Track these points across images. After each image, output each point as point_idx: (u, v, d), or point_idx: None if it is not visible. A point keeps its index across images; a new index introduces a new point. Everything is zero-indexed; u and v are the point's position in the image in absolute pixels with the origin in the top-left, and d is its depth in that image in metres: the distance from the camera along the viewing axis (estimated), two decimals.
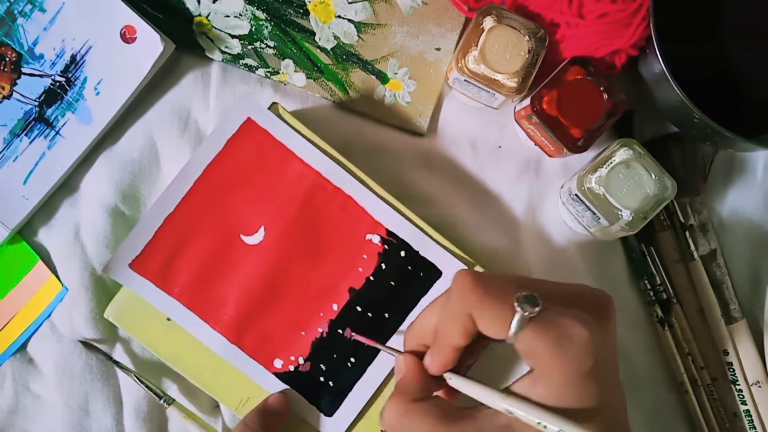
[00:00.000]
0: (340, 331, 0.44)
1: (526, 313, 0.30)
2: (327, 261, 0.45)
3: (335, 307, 0.44)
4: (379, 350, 0.44)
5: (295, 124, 0.45)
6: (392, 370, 0.44)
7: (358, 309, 0.44)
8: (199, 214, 0.44)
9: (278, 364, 0.44)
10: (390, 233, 0.45)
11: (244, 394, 0.44)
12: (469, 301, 0.32)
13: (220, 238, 0.44)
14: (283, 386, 0.44)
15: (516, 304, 0.30)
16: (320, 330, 0.44)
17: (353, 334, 0.44)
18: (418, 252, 0.45)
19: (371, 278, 0.45)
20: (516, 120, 0.50)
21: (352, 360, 0.44)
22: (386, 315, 0.44)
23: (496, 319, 0.31)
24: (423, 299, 0.45)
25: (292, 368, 0.44)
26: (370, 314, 0.44)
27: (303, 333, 0.44)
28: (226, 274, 0.44)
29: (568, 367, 0.30)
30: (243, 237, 0.44)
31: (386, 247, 0.45)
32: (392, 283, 0.45)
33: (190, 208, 0.44)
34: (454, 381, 0.35)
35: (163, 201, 0.44)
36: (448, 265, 0.45)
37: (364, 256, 0.45)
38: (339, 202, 0.45)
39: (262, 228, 0.45)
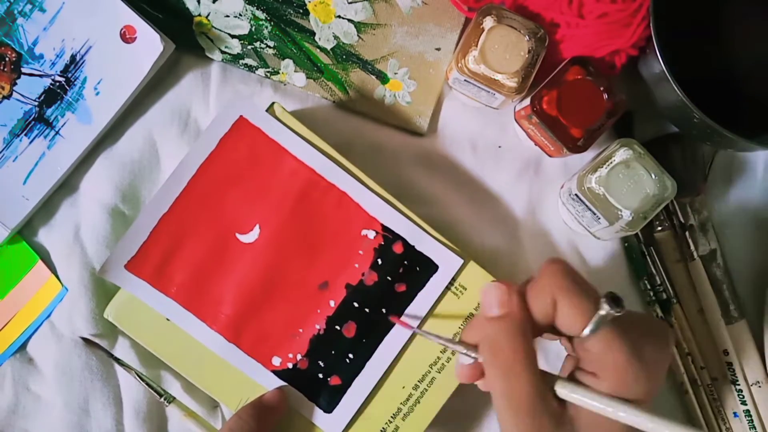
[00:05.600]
0: (337, 327, 0.44)
1: (612, 312, 0.30)
2: (323, 257, 0.44)
3: (332, 303, 0.44)
4: (377, 347, 0.44)
5: (292, 124, 0.45)
6: (390, 367, 0.44)
7: (355, 305, 0.44)
8: (194, 213, 0.44)
9: (276, 361, 0.44)
10: (385, 228, 0.45)
11: (243, 393, 0.44)
12: (559, 285, 0.32)
13: (216, 237, 0.44)
14: (282, 384, 0.44)
15: (603, 301, 0.30)
16: (317, 327, 0.44)
17: (393, 317, 0.44)
18: (414, 246, 0.45)
19: (367, 274, 0.45)
20: (516, 120, 0.50)
21: (350, 356, 0.44)
22: (383, 310, 0.44)
23: (578, 310, 0.31)
24: (420, 294, 0.44)
25: (290, 366, 0.44)
26: (367, 310, 0.44)
27: (300, 330, 0.44)
28: (222, 273, 0.44)
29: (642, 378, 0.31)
30: (238, 235, 0.44)
31: (382, 242, 0.45)
32: (389, 278, 0.45)
33: (184, 207, 0.44)
34: (564, 392, 0.33)
35: (157, 201, 0.44)
36: (444, 259, 0.45)
37: (360, 252, 0.45)
38: (333, 198, 0.45)
39: (257, 226, 0.44)
